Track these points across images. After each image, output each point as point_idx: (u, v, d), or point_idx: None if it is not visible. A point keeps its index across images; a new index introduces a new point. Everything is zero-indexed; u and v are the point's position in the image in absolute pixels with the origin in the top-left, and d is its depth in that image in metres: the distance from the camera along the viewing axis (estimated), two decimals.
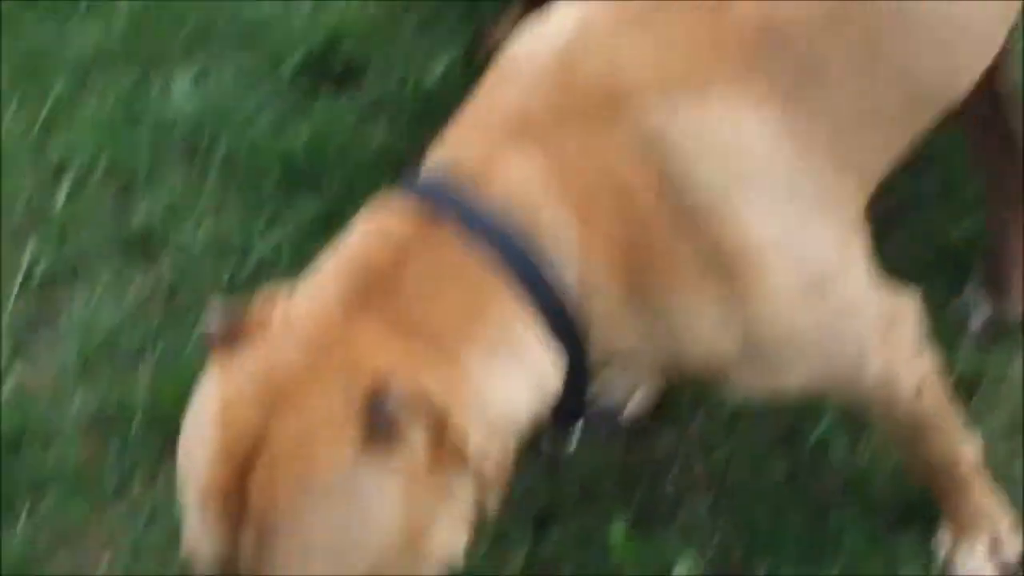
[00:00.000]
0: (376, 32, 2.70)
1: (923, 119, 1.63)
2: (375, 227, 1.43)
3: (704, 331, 1.45)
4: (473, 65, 2.60)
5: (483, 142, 1.44)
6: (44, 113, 2.66)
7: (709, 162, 1.41)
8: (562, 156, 1.40)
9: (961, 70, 1.66)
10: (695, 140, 1.41)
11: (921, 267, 2.07)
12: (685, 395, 2.06)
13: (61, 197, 2.52)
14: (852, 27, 1.50)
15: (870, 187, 1.60)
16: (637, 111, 1.41)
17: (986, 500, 1.84)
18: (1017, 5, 1.72)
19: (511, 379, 1.35)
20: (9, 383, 2.24)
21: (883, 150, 1.59)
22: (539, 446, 1.86)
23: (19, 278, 2.39)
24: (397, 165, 2.48)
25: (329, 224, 2.41)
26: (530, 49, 1.51)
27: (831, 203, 1.49)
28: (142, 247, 2.43)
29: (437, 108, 2.56)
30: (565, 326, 1.41)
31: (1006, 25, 1.72)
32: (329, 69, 2.68)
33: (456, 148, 1.48)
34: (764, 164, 1.44)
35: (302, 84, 2.66)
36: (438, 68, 2.63)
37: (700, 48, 1.44)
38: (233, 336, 1.32)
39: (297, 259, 2.37)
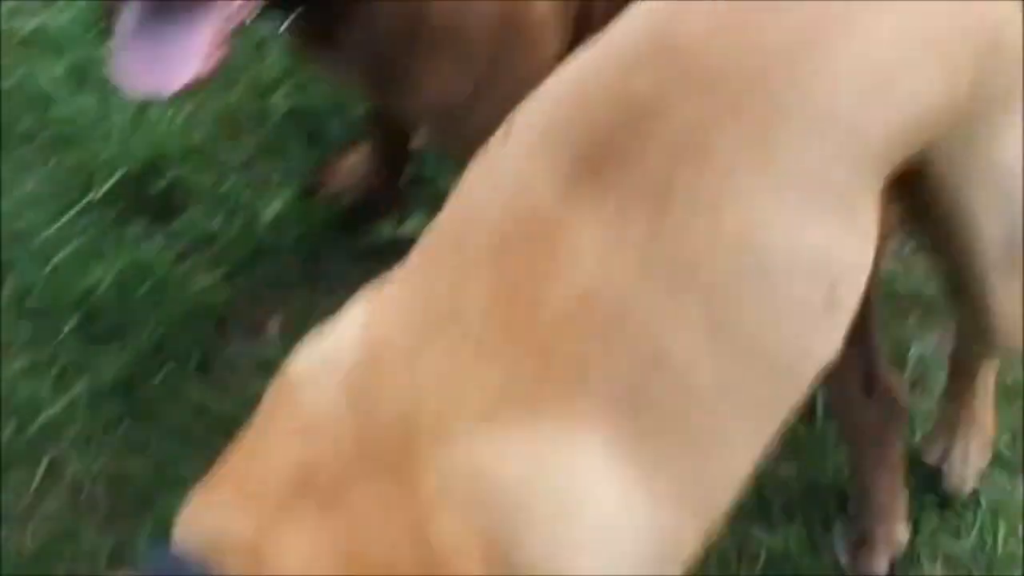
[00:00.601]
0: (204, 157, 2.38)
1: (794, 395, 1.29)
2: None
3: None
4: (312, 205, 2.32)
5: (255, 509, 1.13)
6: None
7: (543, 520, 1.11)
8: (355, 524, 1.10)
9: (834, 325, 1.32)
10: (524, 487, 1.11)
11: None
12: None
13: None
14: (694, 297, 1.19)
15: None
16: (447, 454, 1.11)
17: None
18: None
19: None
20: None
21: (749, 445, 1.26)
22: None
23: None
24: (215, 319, 2.17)
25: (131, 387, 2.09)
26: (311, 373, 1.21)
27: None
28: None
29: (268, 252, 2.29)
30: None
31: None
32: (146, 194, 2.34)
33: (220, 515, 1.15)
34: (606, 521, 1.14)
35: (114, 209, 2.31)
36: (272, 205, 2.32)
37: (517, 362, 1.14)
38: None
39: (91, 425, 2.06)
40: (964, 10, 1.35)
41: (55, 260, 2.22)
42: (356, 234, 2.30)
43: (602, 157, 1.20)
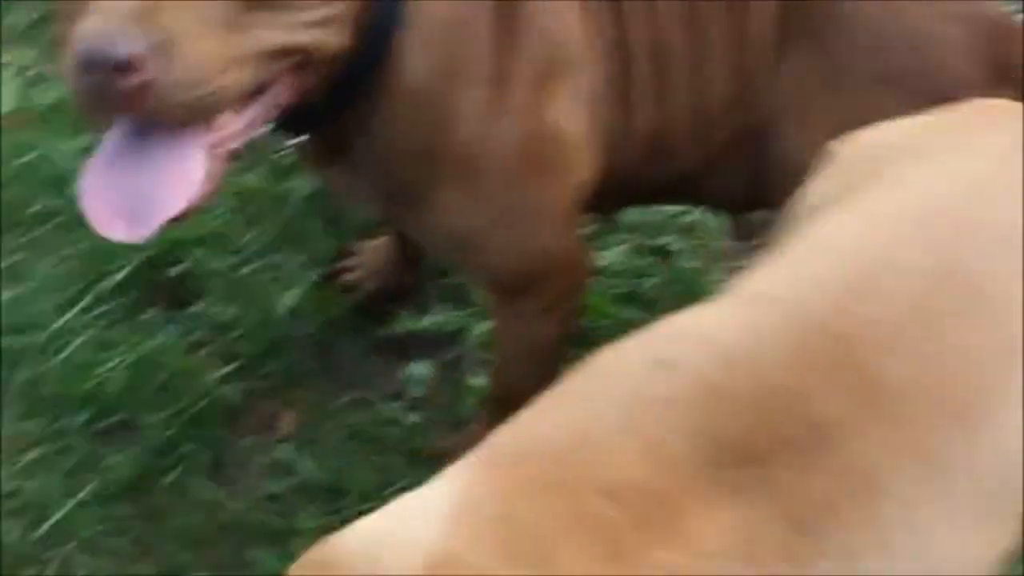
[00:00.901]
0: (221, 243, 2.34)
1: None
2: None
3: None
4: (329, 295, 2.28)
5: None
6: None
7: None
8: None
9: None
10: None
11: None
12: None
13: None
14: None
15: None
16: None
17: None
18: None
19: None
20: None
21: None
22: None
23: None
24: (227, 415, 2.14)
25: (141, 488, 2.06)
26: None
27: None
28: None
29: (283, 344, 2.25)
30: None
31: None
32: (161, 281, 2.30)
33: None
34: None
35: (128, 296, 2.27)
36: (289, 294, 2.28)
37: None
38: None
39: (100, 527, 2.02)
40: None
41: (66, 351, 2.19)
42: (373, 326, 2.27)
43: (756, 457, 1.08)
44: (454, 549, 1.07)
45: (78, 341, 2.20)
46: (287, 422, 2.17)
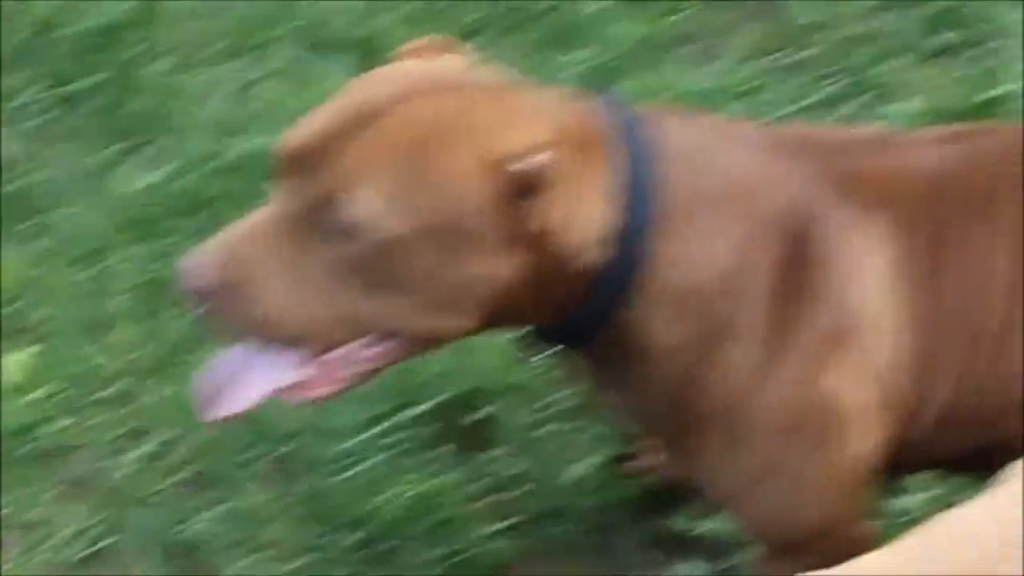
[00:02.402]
0: (525, 399, 2.35)
1: None
2: None
3: None
4: (615, 476, 2.26)
5: None
6: None
7: None
8: None
9: None
10: None
11: None
12: None
13: None
14: None
15: None
16: None
17: None
18: None
19: None
20: None
21: None
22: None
23: None
24: (494, 572, 2.13)
25: None
26: None
27: None
28: None
29: (560, 513, 2.23)
30: None
31: None
32: (458, 423, 2.33)
33: None
34: None
35: (425, 431, 2.31)
36: (578, 464, 2.27)
37: None
38: None
39: None
40: None
41: (355, 468, 2.24)
42: (652, 517, 2.23)
43: None
44: None
45: (369, 462, 2.25)
46: None
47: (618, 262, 1.53)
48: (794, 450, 1.63)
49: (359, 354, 1.53)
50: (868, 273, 1.60)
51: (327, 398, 1.57)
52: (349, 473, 2.24)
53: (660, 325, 1.57)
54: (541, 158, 1.43)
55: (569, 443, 2.31)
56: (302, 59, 2.99)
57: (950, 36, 2.89)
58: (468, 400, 2.34)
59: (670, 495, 2.23)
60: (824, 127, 1.79)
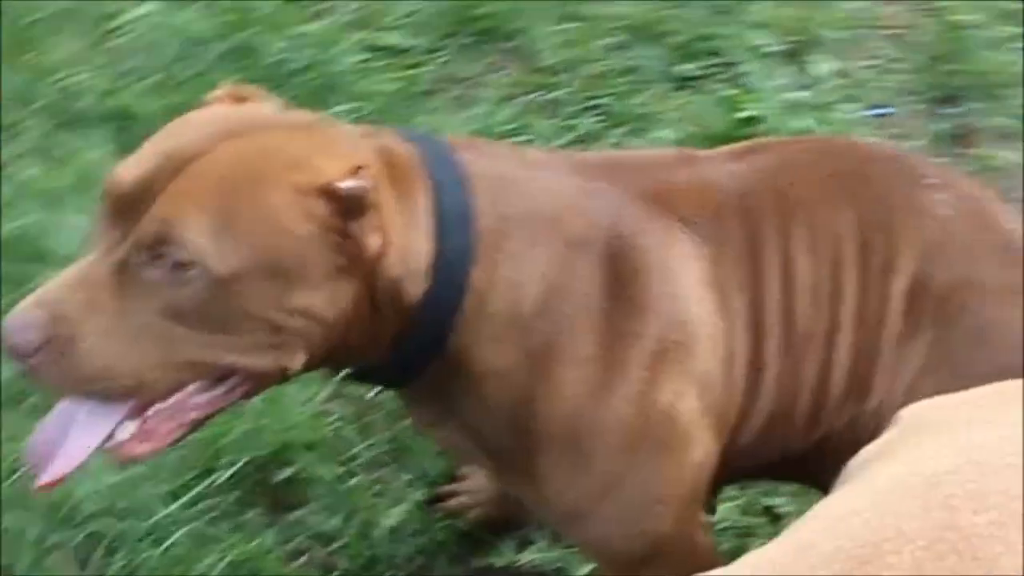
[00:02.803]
0: (330, 453, 2.32)
1: None
2: None
3: None
4: (432, 517, 2.25)
5: None
6: None
7: None
8: None
9: None
10: None
11: None
12: None
13: None
14: None
15: None
16: None
17: None
18: None
19: None
20: None
21: None
22: None
23: None
24: None
25: None
26: None
27: None
28: None
29: (381, 561, 2.20)
30: None
31: None
32: (268, 483, 2.29)
33: None
34: None
35: (234, 494, 2.26)
36: (393, 511, 2.25)
37: None
38: None
39: None
40: None
41: (167, 542, 2.17)
42: (473, 554, 2.23)
43: None
44: None
45: (179, 533, 2.18)
46: None
47: (440, 290, 1.54)
48: (636, 464, 1.65)
49: (187, 403, 1.50)
50: (685, 285, 1.65)
51: (153, 454, 1.53)
52: (162, 547, 2.17)
53: (487, 350, 1.58)
54: (358, 180, 1.45)
55: (380, 492, 2.29)
56: (54, 136, 2.91)
57: (697, 64, 3.02)
58: (273, 459, 2.30)
59: (490, 531, 2.24)
60: (623, 151, 1.83)
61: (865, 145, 2.06)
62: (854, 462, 1.47)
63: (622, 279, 1.61)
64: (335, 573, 2.18)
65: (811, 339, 1.72)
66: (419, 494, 2.28)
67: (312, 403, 2.38)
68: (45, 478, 1.50)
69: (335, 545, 2.22)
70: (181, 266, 1.41)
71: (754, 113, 2.86)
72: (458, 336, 1.57)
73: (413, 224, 1.52)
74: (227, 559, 2.16)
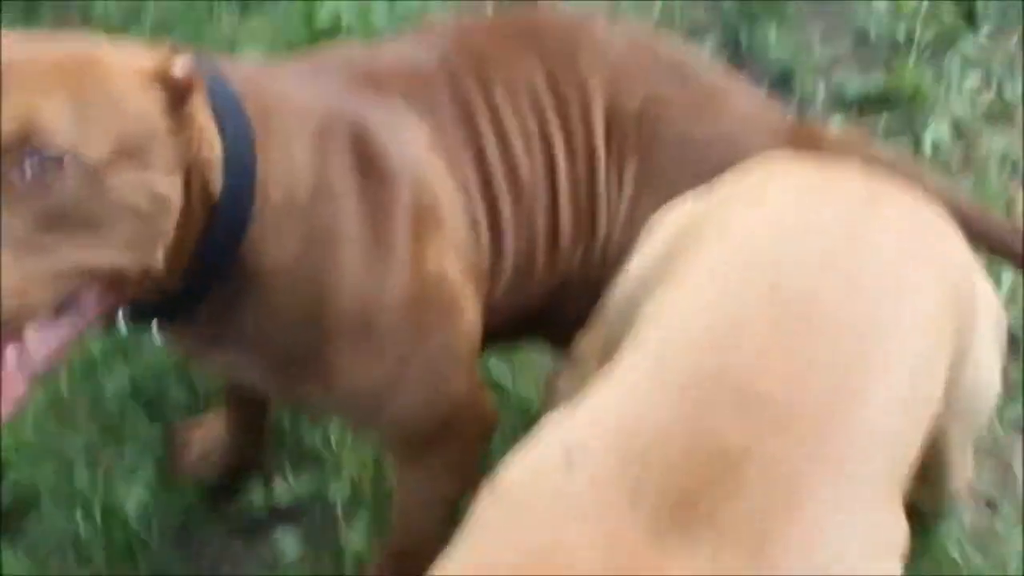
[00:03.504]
0: (42, 452, 2.20)
1: None
2: None
3: None
4: (175, 488, 2.19)
5: None
6: None
7: None
8: None
9: None
10: None
11: None
12: None
13: None
14: None
15: None
16: None
17: None
18: None
19: None
20: None
21: None
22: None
23: None
24: None
25: None
26: None
27: None
28: None
29: (140, 545, 2.12)
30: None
31: None
32: None
33: None
34: None
35: None
36: (133, 493, 2.16)
37: None
38: None
39: None
40: (943, 272, 1.44)
41: None
42: (230, 506, 2.18)
43: (689, 502, 1.19)
44: None
45: None
46: None
47: (233, 181, 1.53)
48: (424, 335, 1.69)
49: (34, 347, 1.42)
50: (420, 154, 1.71)
51: (9, 417, 1.42)
52: None
53: (275, 245, 1.57)
54: (184, 65, 1.45)
55: (110, 477, 2.19)
56: None
57: None
58: None
59: (236, 478, 2.20)
60: (324, 51, 1.86)
61: (534, 6, 2.17)
62: (627, 282, 1.58)
63: (368, 157, 1.65)
64: (96, 573, 2.08)
65: (535, 188, 1.82)
66: (150, 468, 2.20)
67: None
68: None
69: (85, 544, 2.11)
70: (50, 163, 1.34)
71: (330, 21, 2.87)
72: (249, 233, 1.55)
73: (208, 118, 1.50)
74: None
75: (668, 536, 1.16)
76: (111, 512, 2.14)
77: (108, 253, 1.41)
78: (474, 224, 1.76)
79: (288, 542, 2.14)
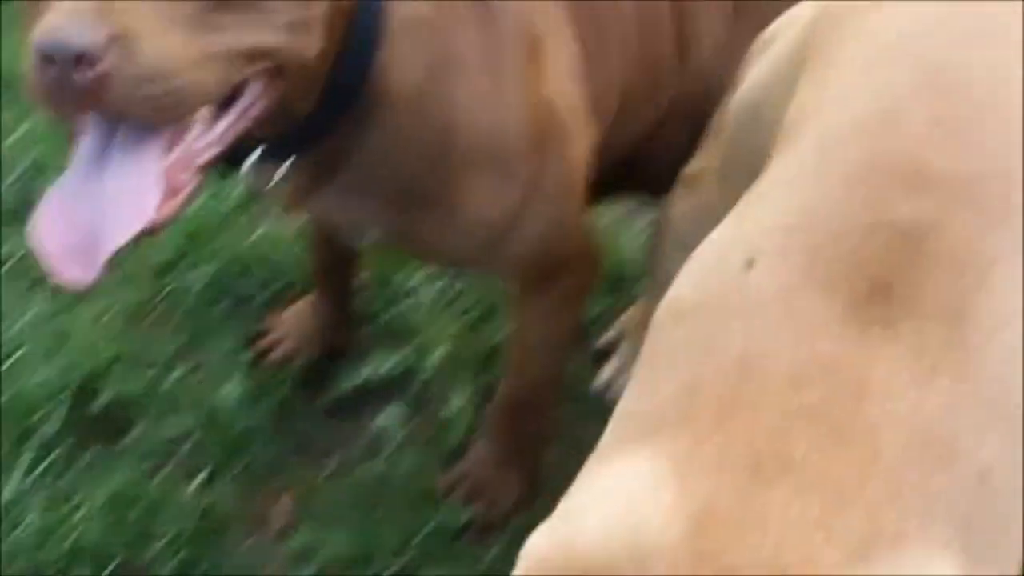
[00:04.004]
0: (131, 364, 2.19)
1: None
2: None
3: None
4: (268, 377, 2.18)
5: None
6: None
7: None
8: None
9: None
10: None
11: None
12: None
13: None
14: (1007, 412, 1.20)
15: None
16: None
17: None
18: None
19: None
20: None
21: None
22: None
23: None
24: (224, 526, 2.02)
25: None
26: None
27: None
28: None
29: (244, 435, 2.12)
30: None
31: None
32: (90, 420, 2.13)
33: None
34: None
35: (65, 446, 2.09)
36: (228, 387, 2.15)
37: (871, 503, 1.10)
38: None
39: None
40: None
41: (26, 520, 2.00)
42: (325, 391, 2.18)
43: (882, 290, 1.16)
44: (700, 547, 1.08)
45: (34, 505, 2.02)
46: (282, 512, 2.06)
47: (366, 4, 1.54)
48: (545, 161, 1.68)
49: (198, 145, 1.43)
50: None
51: (179, 211, 1.42)
52: (23, 526, 1.99)
53: (401, 69, 1.57)
54: None
55: (203, 378, 2.19)
56: None
57: None
58: (84, 395, 2.15)
59: (328, 363, 2.20)
60: None
61: None
62: (745, 98, 1.55)
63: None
64: (206, 468, 2.08)
65: (633, 18, 1.81)
66: (242, 363, 2.20)
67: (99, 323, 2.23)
68: (87, 271, 1.36)
69: (188, 444, 2.11)
70: None
71: None
72: (379, 56, 1.56)
73: None
74: (95, 505, 2.01)
75: (870, 327, 1.14)
76: (211, 408, 2.14)
77: (272, 33, 1.43)
78: (578, 56, 1.74)
79: (391, 416, 2.15)
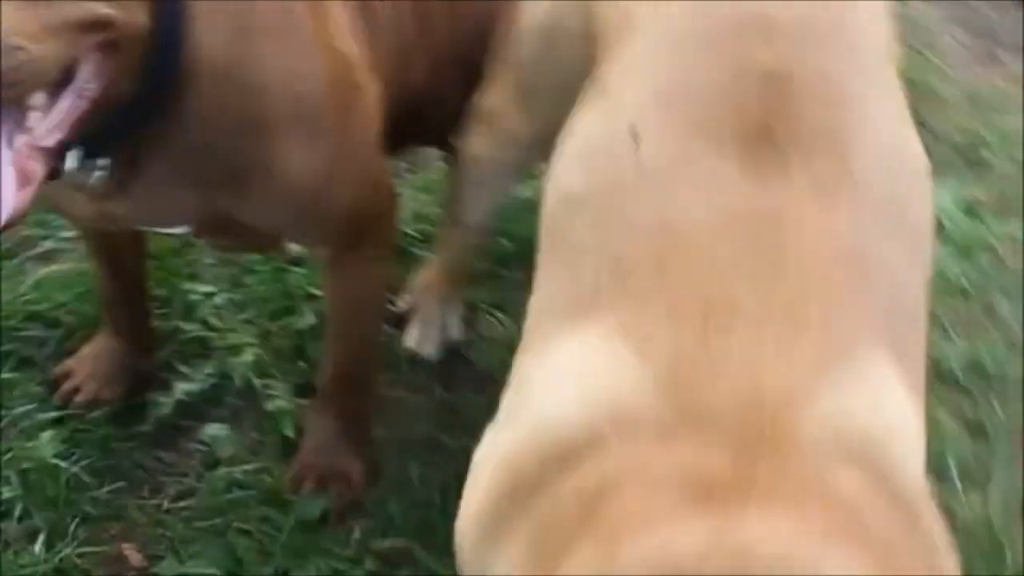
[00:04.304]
0: None
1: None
2: None
3: None
4: (79, 423, 2.12)
5: None
6: None
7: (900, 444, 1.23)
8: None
9: None
10: (873, 420, 1.21)
11: None
12: None
13: None
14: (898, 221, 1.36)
15: None
16: (808, 417, 1.16)
17: None
18: None
19: None
20: None
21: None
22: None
23: None
24: None
25: None
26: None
27: None
28: None
29: (71, 484, 2.05)
30: None
31: None
32: None
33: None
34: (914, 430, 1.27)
35: None
36: (44, 438, 2.06)
37: (818, 328, 1.20)
38: None
39: None
40: None
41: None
42: (141, 420, 2.13)
43: (766, 132, 1.25)
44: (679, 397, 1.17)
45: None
46: (131, 557, 2.01)
47: None
48: (350, 111, 1.70)
49: (42, 130, 1.40)
50: None
51: (31, 200, 1.38)
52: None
53: (211, 33, 1.57)
54: None
55: (12, 444, 2.09)
56: None
57: None
58: None
59: (138, 394, 2.15)
60: None
61: None
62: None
63: None
64: (40, 531, 2.00)
65: None
66: (49, 411, 2.12)
67: None
68: None
69: (18, 510, 2.02)
70: None
71: None
72: (189, 28, 1.55)
73: None
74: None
75: (766, 171, 1.24)
76: (32, 470, 2.05)
77: (102, 5, 1.41)
78: (354, 11, 1.76)
79: (216, 429, 2.12)
